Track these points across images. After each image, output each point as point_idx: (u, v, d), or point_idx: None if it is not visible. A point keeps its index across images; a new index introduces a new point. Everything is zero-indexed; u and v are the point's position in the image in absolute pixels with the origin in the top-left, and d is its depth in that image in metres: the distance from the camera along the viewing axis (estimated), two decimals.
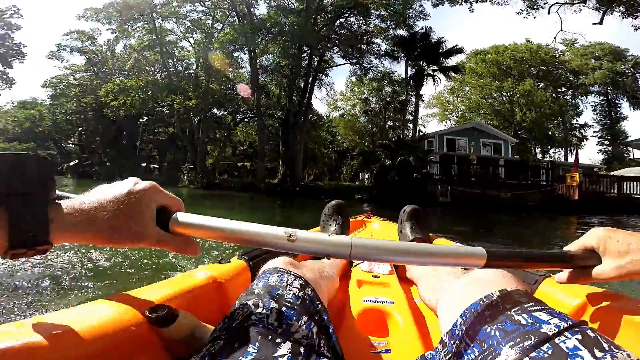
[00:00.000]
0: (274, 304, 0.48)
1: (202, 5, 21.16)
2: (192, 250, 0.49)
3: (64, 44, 27.40)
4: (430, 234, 1.33)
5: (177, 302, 0.55)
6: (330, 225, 1.30)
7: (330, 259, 1.03)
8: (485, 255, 0.46)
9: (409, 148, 17.03)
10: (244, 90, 22.03)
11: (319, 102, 55.53)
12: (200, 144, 22.00)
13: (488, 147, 22.13)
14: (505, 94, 31.68)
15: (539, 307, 0.43)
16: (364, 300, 0.87)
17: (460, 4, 20.81)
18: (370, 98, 27.73)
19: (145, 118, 27.19)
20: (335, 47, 22.38)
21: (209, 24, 22.02)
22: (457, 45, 21.53)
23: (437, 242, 1.29)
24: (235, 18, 21.07)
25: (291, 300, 0.51)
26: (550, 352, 0.35)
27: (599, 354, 0.34)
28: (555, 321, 0.39)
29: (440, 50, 21.17)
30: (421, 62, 21.73)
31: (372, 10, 20.74)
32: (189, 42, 23.06)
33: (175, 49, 23.48)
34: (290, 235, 0.45)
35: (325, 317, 0.54)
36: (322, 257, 0.70)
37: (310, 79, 21.40)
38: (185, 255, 0.50)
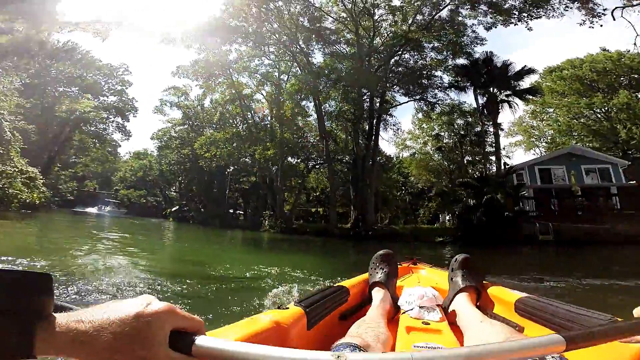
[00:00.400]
0: None
1: (267, 59, 23.40)
2: None
3: (164, 99, 30.29)
4: (484, 282, 1.28)
5: None
6: (377, 272, 1.33)
7: (377, 308, 1.09)
8: (563, 342, 0.43)
9: (495, 184, 15.35)
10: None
11: (387, 144, 54.93)
12: (278, 192, 23.09)
13: (592, 173, 18.56)
14: (598, 110, 27.22)
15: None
16: (414, 347, 0.83)
17: (514, 24, 19.28)
18: (442, 133, 26.13)
19: (231, 168, 29.74)
20: (395, 86, 22.29)
21: (276, 76, 23.80)
22: (525, 66, 19.82)
23: (492, 290, 1.23)
24: (297, 69, 22.52)
25: None
26: None
27: None
28: None
29: (509, 74, 19.64)
30: (491, 89, 20.26)
31: (425, 44, 20.52)
32: (262, 94, 24.95)
33: (251, 101, 25.50)
34: (339, 357, 0.40)
35: None
36: None
37: (374, 121, 21.36)
38: None
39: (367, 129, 21.53)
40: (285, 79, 23.77)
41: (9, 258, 4.26)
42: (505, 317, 1.09)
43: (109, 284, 3.60)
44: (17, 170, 13.00)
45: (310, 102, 23.16)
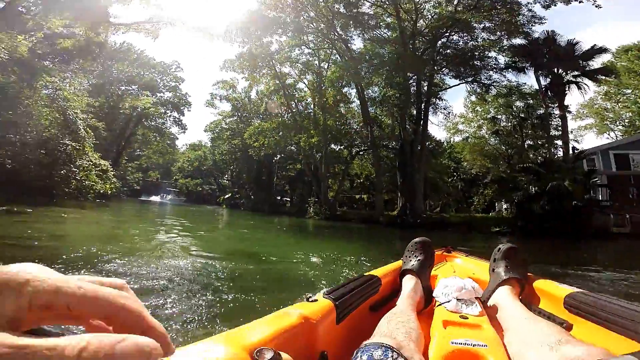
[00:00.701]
0: None
1: (307, 48, 23.18)
2: None
3: (214, 93, 31.57)
4: (529, 274, 1.18)
5: (276, 342, 0.58)
6: (411, 260, 1.26)
7: (407, 299, 1.02)
8: None
9: (562, 170, 13.84)
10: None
11: (436, 128, 52.02)
12: (322, 178, 23.23)
13: None
14: None
15: None
16: (452, 343, 0.78)
17: (579, 1, 16.71)
18: (499, 116, 24.16)
19: (278, 156, 30.61)
20: (443, 69, 20.89)
21: (316, 64, 23.66)
22: (595, 45, 17.45)
23: (537, 284, 1.14)
24: (337, 56, 22.12)
25: None
26: None
27: None
28: None
29: (576, 54, 17.48)
30: (556, 70, 18.11)
31: (475, 24, 18.72)
32: (304, 83, 25.04)
33: (294, 90, 25.71)
34: None
35: None
36: None
37: (422, 105, 20.35)
38: None
39: (414, 113, 20.58)
40: (326, 67, 23.57)
41: (93, 245, 4.63)
42: (552, 312, 1.01)
43: (170, 266, 3.88)
44: (91, 163, 14.45)
45: (353, 88, 22.79)
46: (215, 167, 36.49)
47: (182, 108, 32.55)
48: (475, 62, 20.11)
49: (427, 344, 0.83)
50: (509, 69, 19.88)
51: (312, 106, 25.32)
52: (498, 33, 19.02)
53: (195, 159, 38.45)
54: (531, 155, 22.38)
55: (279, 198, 31.96)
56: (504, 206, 22.09)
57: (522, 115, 22.55)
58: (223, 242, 7.53)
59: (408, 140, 19.98)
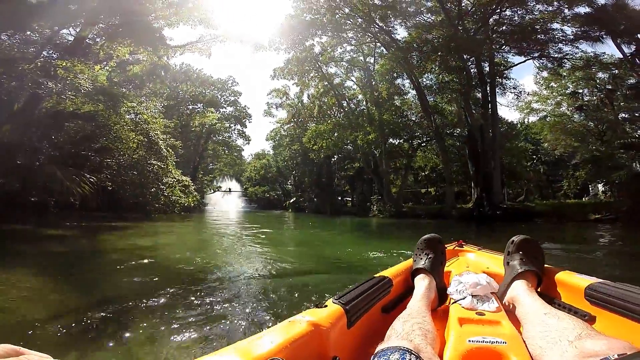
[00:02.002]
0: None
1: (349, 45, 22.40)
2: None
3: (270, 102, 32.01)
4: (546, 265, 1.10)
5: (286, 351, 0.57)
6: (422, 258, 1.20)
7: (421, 299, 0.98)
8: None
9: None
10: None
11: (506, 110, 46.89)
12: (384, 175, 22.27)
13: None
14: None
15: None
16: (470, 341, 0.75)
17: None
18: (580, 91, 20.75)
19: (335, 157, 30.35)
20: (503, 47, 18.49)
21: (361, 60, 22.78)
22: None
23: (556, 276, 1.06)
24: (382, 48, 20.98)
25: None
26: None
27: None
28: None
29: None
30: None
31: None
32: (352, 80, 24.32)
33: (343, 89, 25.17)
34: None
35: None
36: None
37: (487, 87, 18.25)
38: None
39: (479, 96, 18.65)
40: (372, 61, 22.71)
41: (184, 252, 5.08)
42: (573, 305, 0.95)
43: (248, 268, 4.04)
44: (175, 180, 15.63)
45: (406, 79, 21.66)
46: (279, 174, 37.59)
47: (243, 120, 33.87)
48: (539, 36, 17.46)
49: (443, 343, 0.79)
50: (581, 40, 16.95)
51: (364, 103, 24.70)
52: (555, 3, 16.30)
53: (261, 167, 39.96)
54: (628, 130, 18.74)
55: (339, 198, 31.63)
56: (601, 189, 18.78)
57: (610, 87, 19.03)
58: (295, 245, 7.52)
59: (477, 125, 18.06)
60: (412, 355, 0.57)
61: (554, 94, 22.11)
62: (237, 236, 8.42)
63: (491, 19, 18.08)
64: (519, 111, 22.90)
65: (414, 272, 1.19)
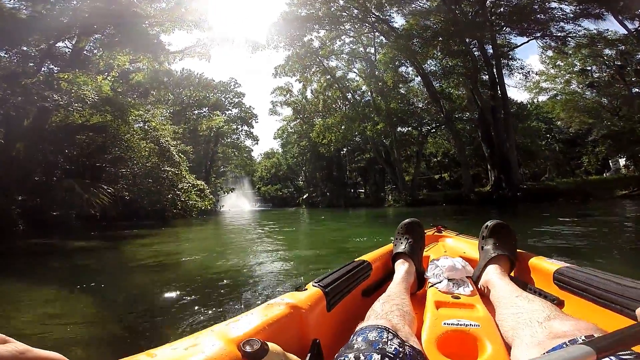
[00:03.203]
0: (376, 356, 0.48)
1: (348, 37, 21.90)
2: None
3: (274, 101, 31.47)
4: (518, 250, 1.12)
5: (265, 333, 0.57)
6: (402, 243, 1.20)
7: (400, 282, 0.99)
8: (593, 353, 0.37)
9: None
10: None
11: (515, 90, 45.65)
12: (396, 163, 21.79)
13: None
14: None
15: (629, 354, 0.40)
16: (445, 324, 0.77)
17: None
18: (589, 68, 19.97)
19: (344, 150, 29.89)
20: (504, 28, 17.82)
21: (361, 51, 22.25)
22: None
23: (527, 260, 1.08)
24: (382, 38, 20.52)
25: (393, 353, 0.50)
26: None
27: None
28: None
29: None
30: None
31: None
32: (354, 72, 23.83)
33: (346, 82, 24.63)
34: None
35: None
36: None
37: (494, 69, 17.60)
38: None
39: (486, 79, 18.09)
40: (373, 51, 22.18)
41: (204, 254, 5.10)
42: (543, 289, 0.97)
43: (270, 263, 4.14)
44: (190, 185, 15.42)
45: (409, 67, 21.18)
46: (289, 171, 37.34)
47: (250, 121, 33.36)
48: (538, 16, 16.81)
49: (420, 325, 0.80)
50: (582, 18, 16.29)
51: (369, 93, 24.24)
52: None
53: (271, 166, 39.65)
54: None
55: (352, 191, 31.18)
56: (622, 163, 17.96)
57: (619, 64, 18.26)
58: (307, 240, 7.44)
59: (487, 107, 17.42)
60: (390, 333, 0.57)
61: (561, 72, 21.25)
62: (254, 235, 8.36)
63: (488, 1, 17.43)
64: (528, 91, 22.07)
65: (394, 257, 1.18)
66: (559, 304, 0.90)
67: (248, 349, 0.48)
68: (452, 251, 1.45)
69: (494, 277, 0.96)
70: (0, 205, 7.31)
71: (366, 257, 1.18)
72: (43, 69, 10.16)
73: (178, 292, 2.83)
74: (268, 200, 40.14)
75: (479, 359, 0.69)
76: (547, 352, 0.48)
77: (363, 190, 30.86)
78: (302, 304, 0.71)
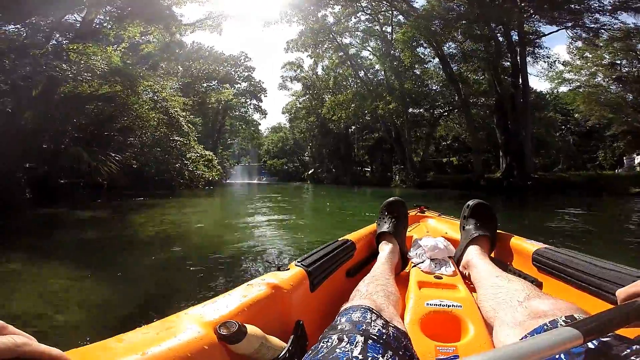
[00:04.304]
0: (359, 338, 0.47)
1: (364, 14, 20.75)
2: None
3: (284, 75, 31.37)
4: (499, 231, 1.09)
5: (244, 315, 0.54)
6: (385, 222, 1.18)
7: (385, 262, 0.97)
8: (580, 336, 0.37)
9: None
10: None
11: (536, 79, 43.75)
12: (407, 144, 21.24)
13: None
14: None
15: (611, 337, 0.39)
16: (428, 304, 0.77)
17: None
18: (618, 62, 18.56)
19: (353, 127, 29.38)
20: (533, 15, 16.51)
21: (378, 29, 21.33)
22: None
23: (507, 241, 1.06)
24: (400, 17, 19.57)
25: (377, 335, 0.49)
26: None
27: None
28: (625, 345, 0.36)
29: None
30: None
31: None
32: (369, 50, 23.04)
33: (360, 59, 23.94)
34: None
35: (409, 353, 0.52)
36: None
37: (517, 56, 16.60)
38: None
39: (509, 65, 17.16)
40: (390, 30, 21.16)
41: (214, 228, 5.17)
42: (522, 270, 0.96)
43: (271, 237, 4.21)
44: (198, 155, 15.17)
45: (426, 48, 20.22)
46: (296, 146, 36.98)
47: (259, 95, 32.91)
48: (572, 6, 15.44)
49: (404, 306, 0.79)
50: (620, 11, 14.95)
51: (381, 73, 23.49)
52: None
53: (278, 140, 39.42)
54: None
55: (359, 169, 30.87)
56: (638, 161, 17.29)
57: None
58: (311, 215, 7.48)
59: (507, 94, 16.58)
60: (374, 314, 0.56)
61: (588, 64, 19.87)
62: (258, 207, 8.50)
63: None
64: (550, 81, 20.91)
65: (378, 236, 1.15)
66: (538, 285, 0.89)
67: (224, 331, 0.45)
68: (434, 231, 1.42)
69: (475, 257, 0.95)
70: (8, 173, 7.09)
71: (350, 236, 1.12)
72: (52, 42, 9.75)
73: (185, 268, 2.76)
74: (274, 173, 39.97)
75: (461, 340, 0.68)
76: (529, 333, 0.47)
77: (369, 169, 30.51)
78: (284, 284, 0.66)
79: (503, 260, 1.04)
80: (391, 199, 1.24)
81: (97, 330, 1.71)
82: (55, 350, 0.29)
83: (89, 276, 2.57)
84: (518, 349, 0.31)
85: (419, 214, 1.70)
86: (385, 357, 0.45)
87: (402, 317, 0.72)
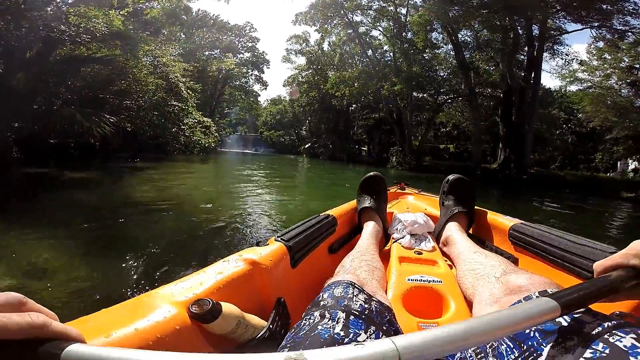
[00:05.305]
0: (341, 314, 0.45)
1: None
2: None
3: (289, 48, 31.12)
4: (477, 207, 1.09)
5: (220, 293, 0.51)
6: (366, 199, 1.15)
7: (369, 237, 0.95)
8: (558, 308, 0.36)
9: None
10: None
11: (547, 75, 42.82)
12: (408, 127, 20.89)
13: None
14: None
15: (582, 310, 0.39)
16: (409, 279, 0.76)
17: None
18: (637, 66, 17.81)
19: (354, 106, 28.76)
20: (560, 12, 15.62)
21: (391, 10, 20.47)
22: None
23: (485, 217, 1.05)
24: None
25: (359, 310, 0.48)
26: (607, 351, 0.31)
27: None
28: (598, 322, 0.36)
29: None
30: None
31: None
32: (379, 30, 22.27)
33: (369, 39, 23.34)
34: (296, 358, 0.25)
35: (394, 327, 0.50)
36: None
37: (534, 50, 16.03)
38: None
39: (524, 59, 16.69)
40: (405, 12, 20.22)
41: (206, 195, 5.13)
42: (499, 246, 0.97)
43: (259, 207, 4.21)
44: (196, 121, 14.62)
45: (439, 33, 19.57)
46: (295, 119, 36.19)
47: (261, 66, 31.99)
48: (604, 6, 14.58)
49: (385, 281, 0.77)
50: None
51: (390, 54, 22.77)
52: None
53: (277, 113, 38.51)
54: None
55: (356, 147, 30.60)
56: (631, 166, 17.32)
57: None
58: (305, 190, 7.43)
59: (517, 87, 16.12)
60: (356, 288, 0.55)
61: (605, 65, 19.16)
62: (252, 176, 8.51)
63: None
64: (561, 79, 20.30)
65: (360, 212, 1.13)
66: (514, 261, 0.88)
67: (197, 309, 0.42)
68: (414, 208, 1.40)
69: (454, 233, 0.94)
70: None
71: (331, 211, 1.08)
72: (51, 6, 9.08)
73: (171, 239, 2.62)
74: (270, 145, 39.43)
75: (443, 316, 0.67)
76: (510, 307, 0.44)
77: (366, 148, 30.22)
78: (264, 260, 0.63)
79: (481, 236, 1.04)
80: (370, 173, 1.19)
81: (78, 308, 1.58)
82: (74, 331, 0.28)
83: (65, 241, 2.39)
84: (495, 319, 0.30)
85: (399, 190, 1.68)
86: (368, 333, 0.43)
87: (386, 292, 0.69)
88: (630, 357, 0.30)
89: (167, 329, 0.40)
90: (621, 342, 0.32)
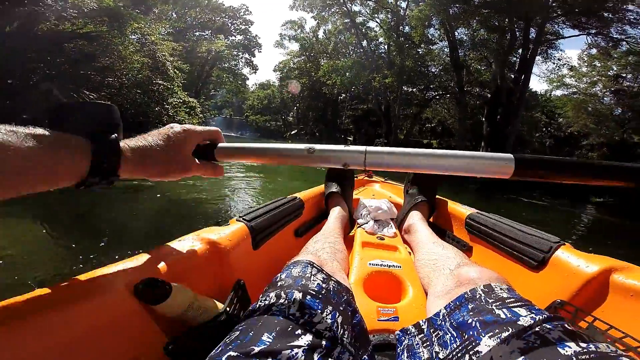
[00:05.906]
0: (297, 294, 0.44)
1: None
2: (219, 172, 0.55)
3: (283, 34, 30.61)
4: (438, 196, 1.14)
5: (172, 273, 0.48)
6: (333, 184, 1.18)
7: (335, 221, 0.96)
8: (513, 161, 0.39)
9: None
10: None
11: (536, 79, 43.75)
12: (395, 120, 21.08)
13: None
14: None
15: (520, 304, 0.42)
16: (370, 264, 0.77)
17: None
18: (624, 75, 18.24)
19: (343, 95, 28.62)
20: (559, 17, 15.78)
21: (391, 2, 20.35)
22: None
23: (445, 206, 1.08)
24: None
25: (316, 290, 0.47)
26: (538, 342, 0.35)
27: (582, 344, 0.33)
28: (532, 315, 0.39)
29: None
30: None
31: None
32: (377, 22, 22.06)
33: (366, 29, 23.27)
34: (310, 148, 0.45)
35: (351, 308, 0.50)
36: (340, 166, 0.49)
37: (528, 53, 16.20)
38: (214, 177, 0.55)
39: (515, 60, 16.85)
40: (405, 6, 20.08)
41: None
42: (457, 235, 0.99)
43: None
44: (181, 101, 14.10)
45: (436, 29, 19.43)
46: (282, 105, 35.53)
47: (252, 50, 31.07)
48: (605, 14, 14.74)
49: (349, 266, 0.78)
50: None
51: (384, 46, 22.71)
52: None
53: (265, 97, 37.67)
54: None
55: (342, 136, 30.61)
56: None
57: None
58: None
59: (505, 88, 16.45)
60: (314, 268, 0.54)
61: (592, 72, 19.54)
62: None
63: None
64: (549, 83, 20.77)
65: (327, 197, 1.14)
66: (469, 250, 0.91)
67: (143, 289, 0.40)
68: (380, 195, 1.43)
69: (416, 222, 0.96)
70: None
71: (299, 194, 1.07)
72: None
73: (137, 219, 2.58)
74: (255, 129, 38.66)
75: (401, 302, 0.68)
76: (452, 302, 0.48)
77: (352, 138, 30.24)
78: (223, 241, 0.60)
79: (441, 225, 1.06)
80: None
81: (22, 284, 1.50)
82: (214, 129, 0.54)
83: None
84: (453, 154, 0.34)
85: (366, 178, 1.71)
86: (325, 313, 0.42)
87: (348, 276, 0.70)
88: (559, 348, 0.33)
89: (111, 312, 0.38)
90: (550, 334, 0.35)
